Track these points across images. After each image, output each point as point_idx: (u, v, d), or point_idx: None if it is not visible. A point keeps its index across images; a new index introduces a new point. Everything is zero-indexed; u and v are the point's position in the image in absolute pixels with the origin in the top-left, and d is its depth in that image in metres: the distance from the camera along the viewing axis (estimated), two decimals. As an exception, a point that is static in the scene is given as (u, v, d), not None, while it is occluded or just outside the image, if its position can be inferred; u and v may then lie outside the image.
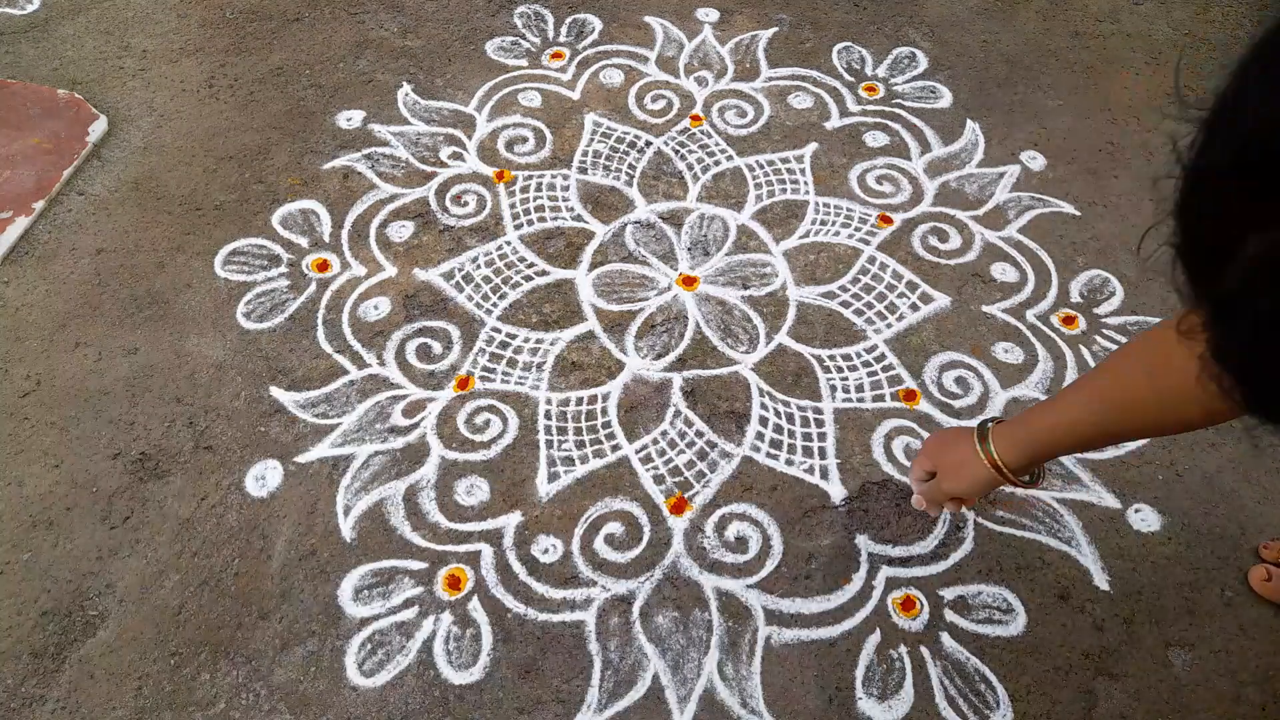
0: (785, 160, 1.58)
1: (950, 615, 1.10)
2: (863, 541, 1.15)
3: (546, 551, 1.14)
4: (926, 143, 1.61)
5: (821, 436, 1.25)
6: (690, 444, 1.24)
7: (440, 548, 1.14)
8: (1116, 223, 1.50)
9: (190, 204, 1.48)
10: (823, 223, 1.49)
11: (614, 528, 1.16)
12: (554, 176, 1.54)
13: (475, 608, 1.09)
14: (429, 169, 1.54)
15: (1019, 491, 1.18)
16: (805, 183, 1.55)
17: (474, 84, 1.68)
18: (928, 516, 1.16)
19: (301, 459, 1.21)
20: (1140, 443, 1.25)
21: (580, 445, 1.23)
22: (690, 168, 1.57)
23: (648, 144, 1.60)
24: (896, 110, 1.66)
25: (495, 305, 1.37)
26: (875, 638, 1.08)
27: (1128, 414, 0.71)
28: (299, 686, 1.03)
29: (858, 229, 1.49)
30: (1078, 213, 1.51)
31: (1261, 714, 1.04)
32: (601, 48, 1.75)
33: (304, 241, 1.44)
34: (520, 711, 1.02)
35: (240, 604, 1.09)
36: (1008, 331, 1.36)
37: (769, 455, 1.23)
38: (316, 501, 1.17)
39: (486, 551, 1.14)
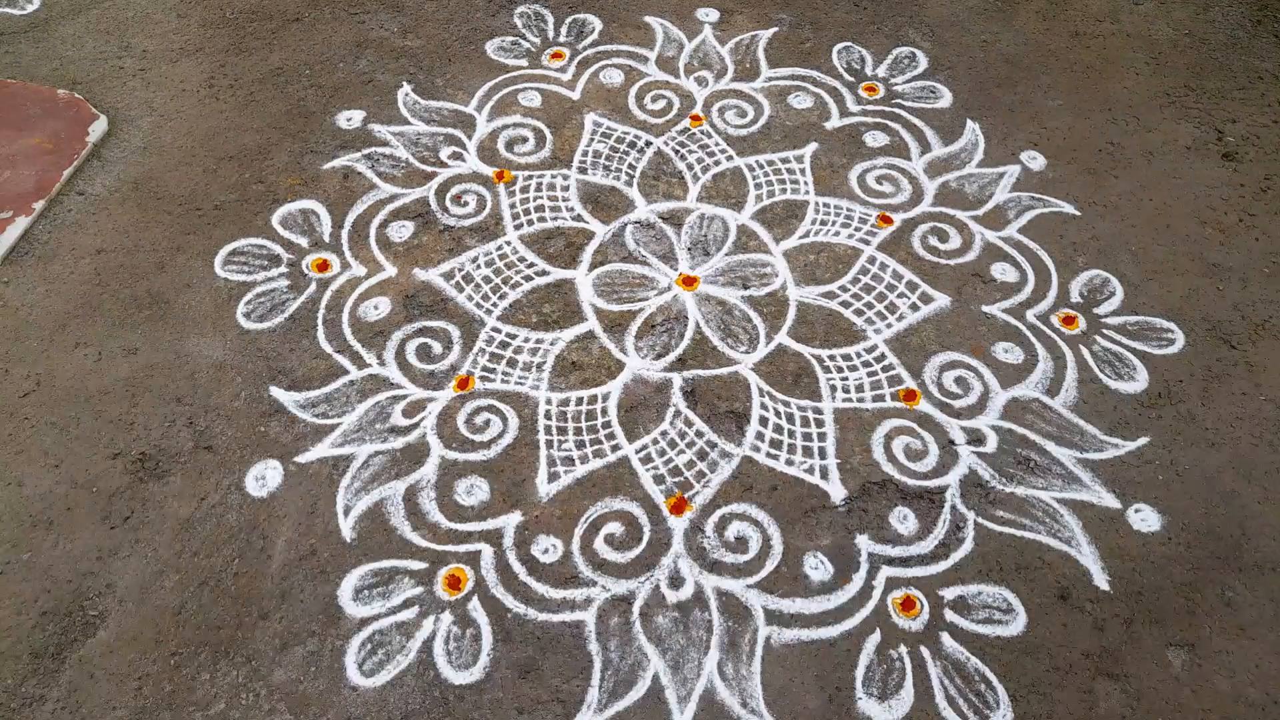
0: (785, 160, 1.58)
1: (950, 615, 1.10)
2: (863, 541, 1.15)
3: (546, 551, 1.14)
4: (926, 143, 1.61)
5: (821, 436, 1.25)
6: (690, 444, 1.24)
7: (440, 548, 1.14)
8: (1116, 223, 1.50)
9: (190, 204, 1.48)
10: (823, 223, 1.49)
11: (614, 528, 1.16)
12: (554, 176, 1.54)
13: (475, 608, 1.09)
14: (429, 169, 1.54)
15: None
16: (805, 183, 1.55)
17: (474, 84, 1.68)
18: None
19: (301, 459, 1.21)
20: (1140, 441, 1.25)
21: (580, 445, 1.23)
22: (690, 168, 1.57)
23: (648, 144, 1.60)
24: (896, 110, 1.66)
25: (495, 305, 1.37)
26: (875, 638, 1.08)
27: None
28: (299, 686, 1.03)
29: (858, 229, 1.49)
30: (1078, 213, 1.51)
31: (1261, 714, 1.04)
32: (601, 48, 1.75)
33: (304, 241, 1.44)
34: (520, 711, 1.02)
35: (240, 604, 1.09)
36: (1008, 331, 1.36)
37: (769, 455, 1.23)
38: (316, 501, 1.17)
39: (486, 551, 1.14)
